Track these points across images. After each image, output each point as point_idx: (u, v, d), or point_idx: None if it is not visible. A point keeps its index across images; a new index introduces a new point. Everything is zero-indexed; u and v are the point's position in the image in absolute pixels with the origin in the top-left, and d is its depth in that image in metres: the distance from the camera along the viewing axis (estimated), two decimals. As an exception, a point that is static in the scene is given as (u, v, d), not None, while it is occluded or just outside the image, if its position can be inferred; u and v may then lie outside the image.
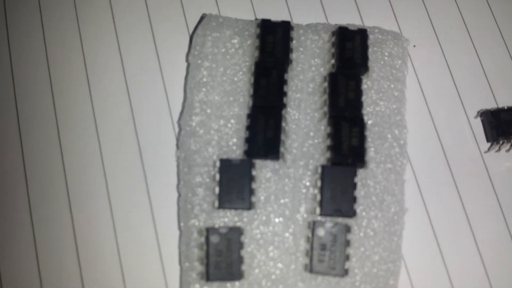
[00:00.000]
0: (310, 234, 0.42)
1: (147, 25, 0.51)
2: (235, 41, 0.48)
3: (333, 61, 0.48)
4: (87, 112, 0.48)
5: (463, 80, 0.50)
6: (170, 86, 0.49)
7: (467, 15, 0.53)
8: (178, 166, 0.46)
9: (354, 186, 0.43)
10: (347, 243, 0.42)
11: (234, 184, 0.43)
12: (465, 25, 0.53)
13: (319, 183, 0.43)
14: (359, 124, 0.45)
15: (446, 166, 0.48)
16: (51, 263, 0.44)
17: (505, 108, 0.48)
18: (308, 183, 0.44)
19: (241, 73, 0.47)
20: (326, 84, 0.47)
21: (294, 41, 0.49)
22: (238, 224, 0.43)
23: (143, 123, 0.48)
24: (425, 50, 0.52)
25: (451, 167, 0.48)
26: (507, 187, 0.47)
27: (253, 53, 0.48)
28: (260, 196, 0.44)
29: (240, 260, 0.42)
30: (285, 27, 0.48)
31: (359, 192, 0.44)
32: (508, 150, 0.48)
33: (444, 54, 0.51)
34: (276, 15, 0.51)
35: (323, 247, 0.42)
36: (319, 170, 0.44)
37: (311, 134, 0.46)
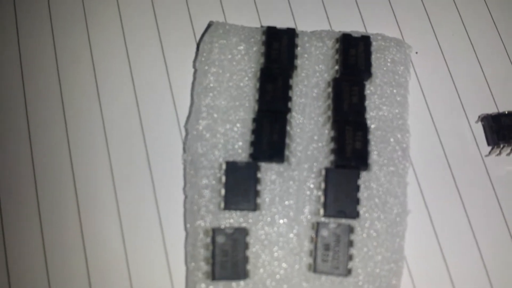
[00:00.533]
0: (314, 235, 0.43)
1: (155, 33, 0.52)
2: (241, 47, 0.49)
3: (337, 67, 0.48)
4: (95, 116, 0.49)
5: (464, 86, 0.51)
6: (178, 92, 0.50)
7: (468, 22, 0.54)
8: (185, 169, 0.46)
9: (357, 188, 0.44)
10: (350, 244, 0.43)
11: (240, 186, 0.44)
12: (467, 32, 0.54)
13: (323, 185, 0.44)
14: (362, 128, 0.46)
15: (448, 169, 0.48)
16: (59, 265, 0.44)
17: (506, 112, 0.48)
18: (312, 185, 0.45)
19: (247, 78, 0.48)
20: (330, 90, 0.47)
21: (299, 48, 0.49)
22: (244, 225, 0.44)
23: (151, 127, 0.49)
24: (427, 56, 0.52)
25: (453, 170, 0.48)
26: (508, 190, 0.48)
27: (259, 59, 0.49)
28: (265, 197, 0.45)
29: (245, 260, 0.43)
30: (290, 34, 0.49)
31: (362, 194, 0.45)
32: (508, 154, 0.49)
33: (445, 61, 0.52)
34: (281, 23, 0.52)
35: (326, 247, 0.43)
36: (323, 172, 0.44)
37: (315, 138, 0.47)
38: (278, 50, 0.48)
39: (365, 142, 0.45)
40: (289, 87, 0.47)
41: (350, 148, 0.45)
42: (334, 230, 0.43)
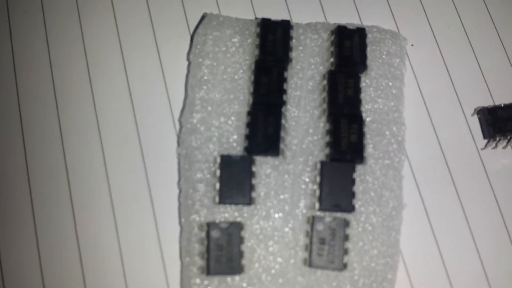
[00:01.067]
0: (309, 229, 0.43)
1: (148, 25, 0.52)
2: (236, 40, 0.49)
3: (332, 59, 0.48)
4: (89, 110, 0.48)
5: (460, 78, 0.51)
6: (171, 84, 0.50)
7: (464, 14, 0.54)
8: (179, 163, 0.46)
9: (352, 181, 0.44)
10: (346, 238, 0.43)
11: (235, 180, 0.44)
12: (462, 24, 0.53)
13: (318, 179, 0.44)
14: (357, 121, 0.46)
15: (444, 163, 0.48)
16: (53, 261, 0.44)
17: (502, 105, 0.48)
18: (307, 179, 0.45)
19: (241, 71, 0.48)
20: (325, 82, 0.47)
21: (293, 40, 0.49)
22: (239, 219, 0.43)
23: (145, 120, 0.48)
24: (423, 49, 0.52)
25: (449, 163, 0.48)
26: (504, 183, 0.48)
27: (253, 51, 0.48)
28: (260, 191, 0.44)
29: (240, 254, 0.42)
30: (285, 26, 0.49)
31: (358, 188, 0.44)
32: (504, 147, 0.49)
33: (441, 53, 0.52)
34: (276, 15, 0.51)
35: (322, 241, 0.43)
36: (318, 166, 0.44)
37: (311, 131, 0.46)
38: (273, 42, 0.48)
39: (361, 135, 0.45)
40: (284, 80, 0.47)
41: (346, 142, 0.45)
42: (329, 224, 0.43)
